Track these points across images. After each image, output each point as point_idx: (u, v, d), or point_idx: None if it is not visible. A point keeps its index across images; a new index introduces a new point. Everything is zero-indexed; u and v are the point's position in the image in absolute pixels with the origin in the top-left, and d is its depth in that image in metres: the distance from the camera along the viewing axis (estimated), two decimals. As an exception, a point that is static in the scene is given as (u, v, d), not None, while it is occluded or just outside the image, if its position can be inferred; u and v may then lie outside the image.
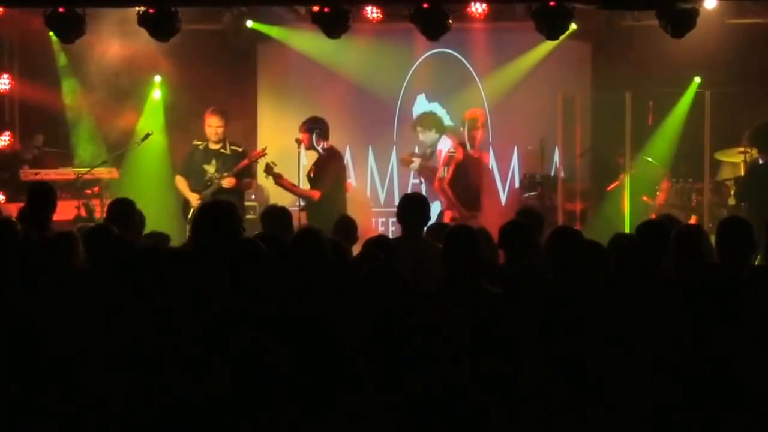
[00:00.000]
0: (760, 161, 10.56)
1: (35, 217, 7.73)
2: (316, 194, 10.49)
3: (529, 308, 4.51)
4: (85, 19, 10.81)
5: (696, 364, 4.20)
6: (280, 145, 11.35)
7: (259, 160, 10.77)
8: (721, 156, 11.82)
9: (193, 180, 10.77)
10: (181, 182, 10.90)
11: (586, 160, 12.34)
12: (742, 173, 11.20)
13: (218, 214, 6.33)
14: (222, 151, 10.74)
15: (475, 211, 10.96)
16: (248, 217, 11.06)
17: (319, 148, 10.64)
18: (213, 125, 10.74)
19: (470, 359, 4.36)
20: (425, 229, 7.64)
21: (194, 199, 10.55)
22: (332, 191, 10.57)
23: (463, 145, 11.23)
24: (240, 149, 10.90)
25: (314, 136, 10.61)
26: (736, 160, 11.51)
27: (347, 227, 7.74)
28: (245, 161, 10.70)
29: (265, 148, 10.89)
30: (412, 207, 7.35)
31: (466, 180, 11.13)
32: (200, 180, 10.73)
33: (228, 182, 10.57)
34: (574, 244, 6.41)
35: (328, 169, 10.63)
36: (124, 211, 7.55)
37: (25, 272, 5.90)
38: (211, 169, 10.71)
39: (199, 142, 10.88)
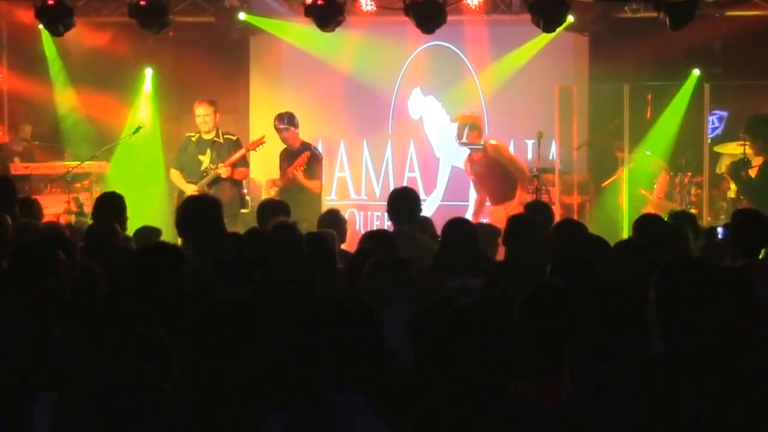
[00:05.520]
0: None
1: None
2: (318, 187, 10.60)
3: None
4: (74, 11, 10.76)
5: None
6: (273, 137, 11.20)
7: (257, 148, 10.74)
8: (720, 149, 11.71)
9: (188, 172, 10.65)
10: (175, 175, 10.77)
11: (583, 153, 12.21)
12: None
13: (201, 207, 6.27)
14: (216, 140, 10.63)
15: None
16: (243, 211, 10.91)
17: (305, 144, 10.75)
18: (200, 114, 10.63)
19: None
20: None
21: (191, 191, 10.32)
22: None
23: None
24: (234, 137, 10.79)
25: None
26: (735, 153, 11.38)
27: (336, 221, 7.61)
28: (243, 151, 10.58)
29: (263, 137, 10.80)
30: (398, 201, 7.28)
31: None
32: (195, 171, 10.61)
33: (225, 172, 10.46)
34: (579, 237, 6.33)
35: (320, 166, 10.77)
36: (119, 206, 7.40)
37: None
38: (206, 159, 10.59)
39: (192, 134, 10.78)
